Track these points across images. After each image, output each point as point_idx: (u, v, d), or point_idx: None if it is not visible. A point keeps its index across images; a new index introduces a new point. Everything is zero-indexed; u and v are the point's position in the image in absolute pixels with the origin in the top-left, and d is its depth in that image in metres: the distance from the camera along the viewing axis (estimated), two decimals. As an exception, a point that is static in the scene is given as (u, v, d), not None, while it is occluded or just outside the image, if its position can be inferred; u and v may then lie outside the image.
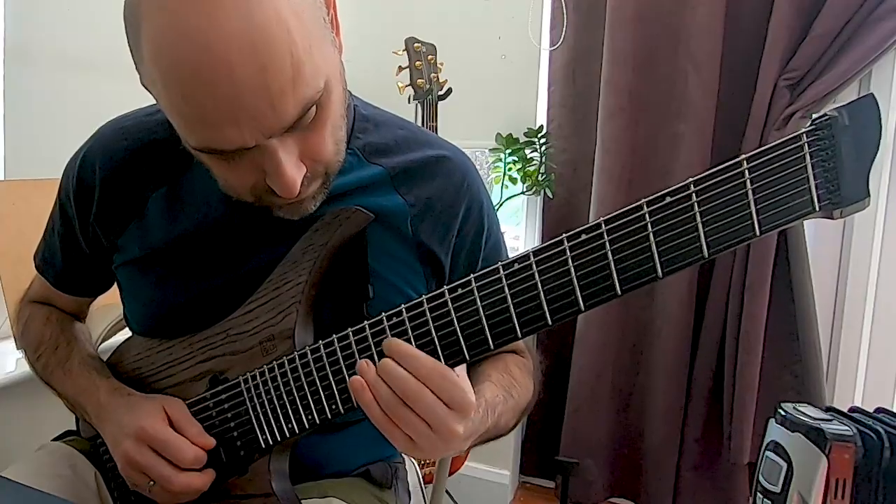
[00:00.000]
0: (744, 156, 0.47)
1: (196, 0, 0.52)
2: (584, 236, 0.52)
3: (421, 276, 0.79)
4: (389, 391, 0.59)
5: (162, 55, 0.54)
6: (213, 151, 0.59)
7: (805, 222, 1.60)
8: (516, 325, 0.56)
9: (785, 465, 1.32)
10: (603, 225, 0.52)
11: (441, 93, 1.74)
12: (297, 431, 0.68)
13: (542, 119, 2.03)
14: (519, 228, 2.15)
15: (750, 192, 0.47)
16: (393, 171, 0.78)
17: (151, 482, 0.70)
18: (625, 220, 0.51)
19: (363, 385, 0.60)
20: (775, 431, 1.37)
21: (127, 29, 0.58)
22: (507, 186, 1.98)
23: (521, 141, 1.96)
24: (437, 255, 0.79)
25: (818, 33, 1.58)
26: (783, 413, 1.36)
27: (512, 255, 0.57)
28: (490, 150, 2.00)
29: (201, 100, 0.55)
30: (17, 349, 0.92)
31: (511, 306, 0.56)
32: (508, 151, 1.95)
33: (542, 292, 0.55)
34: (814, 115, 0.46)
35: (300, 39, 0.55)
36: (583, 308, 0.54)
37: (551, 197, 1.99)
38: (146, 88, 0.61)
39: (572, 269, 0.53)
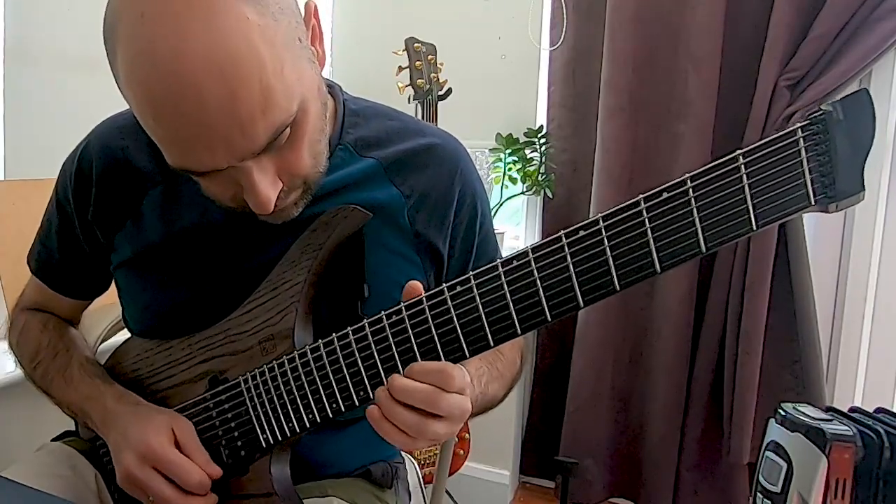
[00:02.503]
0: (739, 151, 0.47)
1: (166, 28, 0.53)
2: (582, 233, 0.53)
3: (420, 268, 0.79)
4: (410, 413, 0.59)
5: (134, 80, 0.56)
6: (189, 171, 0.60)
7: (805, 222, 1.60)
8: (516, 322, 0.56)
9: (785, 465, 1.32)
10: (601, 221, 0.52)
11: (441, 93, 1.74)
12: (298, 430, 0.68)
13: (542, 119, 2.04)
14: (519, 228, 2.15)
15: (746, 187, 0.48)
16: (386, 163, 0.78)
17: (150, 499, 0.69)
18: (622, 216, 0.51)
19: (380, 416, 0.61)
20: (775, 431, 1.36)
21: (106, 50, 0.59)
22: (507, 186, 1.98)
23: (521, 141, 1.96)
24: (436, 244, 0.80)
25: (818, 33, 1.58)
26: (783, 413, 1.35)
27: (510, 253, 0.57)
28: (490, 150, 2.00)
29: (172, 125, 0.56)
30: (11, 354, 0.91)
31: (510, 303, 0.56)
32: (508, 151, 1.95)
33: (541, 289, 0.55)
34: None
35: (271, 65, 0.55)
36: (581, 304, 0.54)
37: (551, 197, 1.99)
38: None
39: (571, 266, 0.53)
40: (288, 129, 0.59)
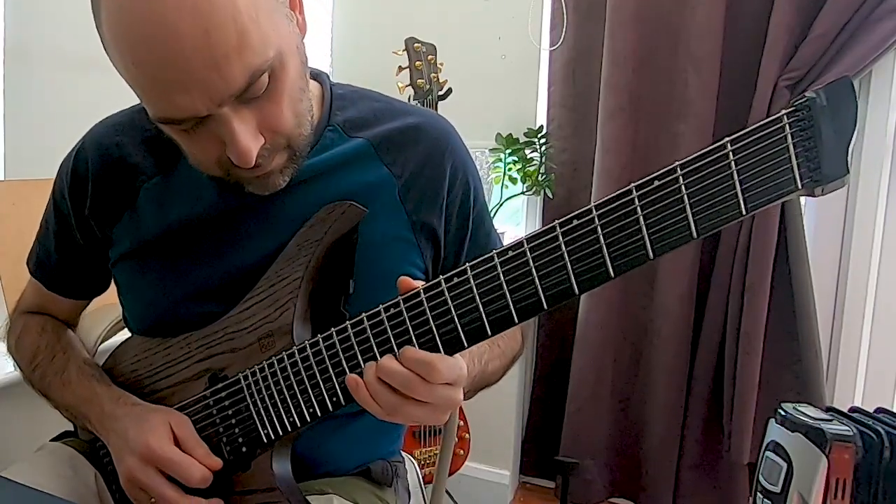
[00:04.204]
0: (727, 138, 0.49)
1: None
2: (575, 222, 0.53)
3: (416, 248, 0.79)
4: (387, 392, 0.60)
5: (116, 27, 0.58)
6: (170, 122, 0.61)
7: (805, 222, 1.60)
8: (513, 311, 0.57)
9: (785, 465, 1.32)
10: (594, 210, 0.53)
11: (441, 93, 1.74)
12: (299, 425, 0.68)
13: (542, 119, 2.04)
14: (519, 228, 2.15)
15: (735, 173, 0.49)
16: (375, 142, 0.78)
17: (152, 500, 0.69)
18: (615, 204, 0.52)
19: (358, 382, 0.61)
20: (775, 431, 1.36)
21: (93, 11, 0.61)
22: (507, 186, 1.99)
23: (521, 141, 1.96)
24: (430, 223, 0.79)
25: (818, 33, 1.58)
26: (783, 413, 1.35)
27: (507, 244, 0.58)
28: (490, 150, 2.00)
29: (151, 67, 0.57)
30: (10, 358, 0.92)
31: (507, 293, 0.56)
32: (508, 151, 1.96)
33: (536, 277, 0.55)
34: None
35: (245, 8, 0.57)
36: (577, 291, 0.54)
37: (551, 197, 1.99)
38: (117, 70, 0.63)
39: (566, 254, 0.54)
40: (266, 78, 0.60)
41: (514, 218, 2.16)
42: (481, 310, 0.58)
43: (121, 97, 0.76)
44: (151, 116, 0.62)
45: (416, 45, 1.72)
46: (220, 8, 0.55)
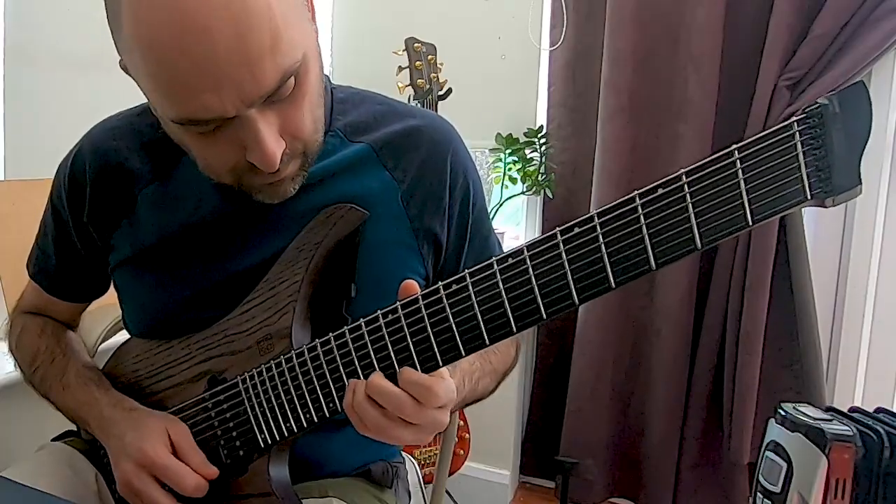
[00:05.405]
0: (735, 146, 0.47)
1: None
2: (577, 230, 0.52)
3: (417, 254, 0.79)
4: (376, 412, 0.60)
5: (141, 23, 0.55)
6: (193, 122, 0.60)
7: (805, 222, 1.60)
8: (511, 320, 0.56)
9: (785, 465, 1.32)
10: (596, 218, 0.51)
11: (441, 93, 1.74)
12: (296, 430, 0.67)
13: (542, 119, 2.04)
14: (519, 228, 2.15)
15: (742, 182, 0.47)
16: (377, 146, 0.77)
17: None
18: (617, 212, 0.51)
19: (349, 404, 0.62)
20: (775, 431, 1.36)
21: (108, 12, 0.59)
22: (507, 186, 1.99)
23: (521, 141, 1.96)
24: (432, 228, 0.79)
25: (818, 33, 1.58)
26: (783, 413, 1.35)
27: (506, 251, 0.57)
28: (490, 150, 2.00)
29: (181, 65, 0.55)
30: (11, 357, 0.92)
31: (506, 301, 0.55)
32: (508, 151, 1.96)
33: (536, 287, 0.54)
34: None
35: (278, 10, 0.56)
36: (577, 302, 0.53)
37: (551, 197, 1.99)
38: (125, 70, 0.61)
39: (566, 263, 0.53)
40: (292, 80, 0.60)
41: (514, 218, 2.16)
42: (479, 318, 0.57)
43: (121, 97, 0.76)
44: (172, 117, 0.60)
45: (416, 45, 1.72)
46: (256, 9, 0.55)
